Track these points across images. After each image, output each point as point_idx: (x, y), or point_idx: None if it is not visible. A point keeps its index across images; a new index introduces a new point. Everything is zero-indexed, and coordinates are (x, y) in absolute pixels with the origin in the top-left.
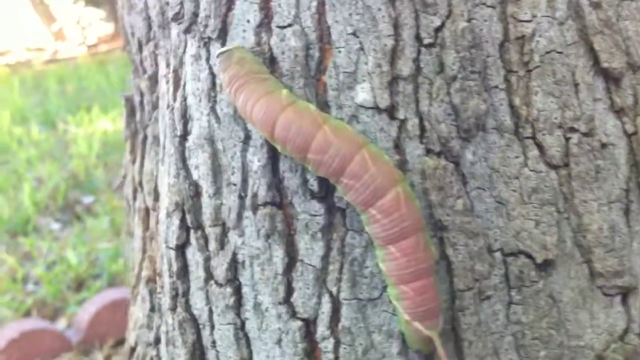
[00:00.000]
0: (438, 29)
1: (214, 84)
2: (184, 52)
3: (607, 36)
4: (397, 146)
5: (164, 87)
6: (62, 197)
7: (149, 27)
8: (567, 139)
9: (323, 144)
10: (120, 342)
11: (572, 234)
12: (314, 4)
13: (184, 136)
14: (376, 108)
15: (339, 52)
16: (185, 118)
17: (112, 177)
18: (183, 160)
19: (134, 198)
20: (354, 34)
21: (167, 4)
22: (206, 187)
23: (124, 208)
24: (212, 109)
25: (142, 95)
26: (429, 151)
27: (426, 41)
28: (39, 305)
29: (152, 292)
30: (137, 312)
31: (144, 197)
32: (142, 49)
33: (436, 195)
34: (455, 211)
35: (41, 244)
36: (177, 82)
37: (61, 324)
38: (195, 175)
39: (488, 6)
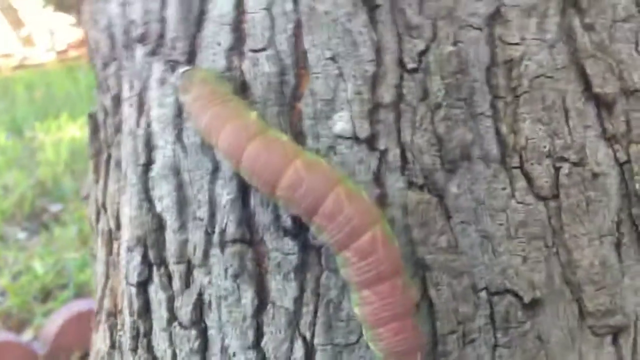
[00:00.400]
0: (422, 53)
1: (180, 110)
2: (149, 75)
3: (599, 60)
4: (377, 179)
5: (127, 111)
6: (29, 205)
7: (113, 46)
8: (557, 169)
9: (294, 181)
10: (87, 354)
11: (562, 270)
12: (290, 26)
13: (147, 165)
14: (355, 138)
15: (316, 78)
16: (149, 146)
17: (80, 185)
18: (146, 191)
19: (97, 220)
20: (332, 58)
21: (132, 22)
22: (170, 221)
23: (90, 228)
24: (178, 137)
25: (106, 113)
26: (411, 184)
27: (409, 66)
28: (4, 317)
29: (112, 328)
30: (99, 343)
31: (107, 220)
32: (106, 66)
33: (419, 232)
34: (438, 249)
35: (7, 253)
36: (140, 106)
37: (27, 335)
38: (158, 207)
39: (475, 28)
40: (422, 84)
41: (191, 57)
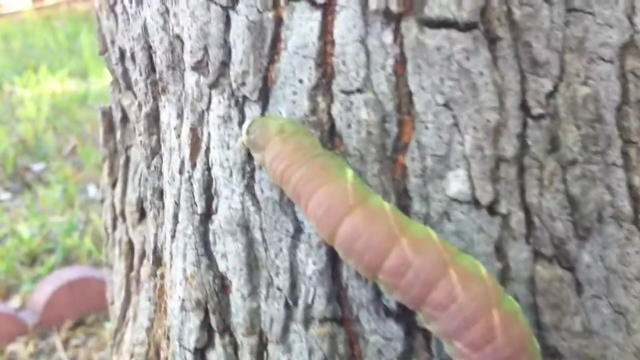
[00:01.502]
0: (549, 95)
1: (250, 156)
2: (208, 109)
3: None
4: (498, 249)
5: (174, 142)
6: (11, 164)
7: (150, 60)
8: None
9: (399, 265)
10: (79, 323)
11: None
12: (390, 62)
13: (207, 215)
14: (474, 202)
15: (426, 128)
16: (209, 193)
17: (62, 143)
18: (205, 244)
19: (114, 227)
20: (446, 105)
21: (181, 42)
22: (238, 285)
23: (103, 235)
24: (248, 188)
25: (123, 112)
26: (538, 255)
27: (535, 111)
28: None
29: None
30: None
31: (127, 229)
32: (124, 60)
33: (550, 315)
34: (572, 333)
35: None
36: (196, 143)
37: (15, 302)
38: (222, 266)
39: (606, 61)
40: (550, 132)
41: (263, 95)
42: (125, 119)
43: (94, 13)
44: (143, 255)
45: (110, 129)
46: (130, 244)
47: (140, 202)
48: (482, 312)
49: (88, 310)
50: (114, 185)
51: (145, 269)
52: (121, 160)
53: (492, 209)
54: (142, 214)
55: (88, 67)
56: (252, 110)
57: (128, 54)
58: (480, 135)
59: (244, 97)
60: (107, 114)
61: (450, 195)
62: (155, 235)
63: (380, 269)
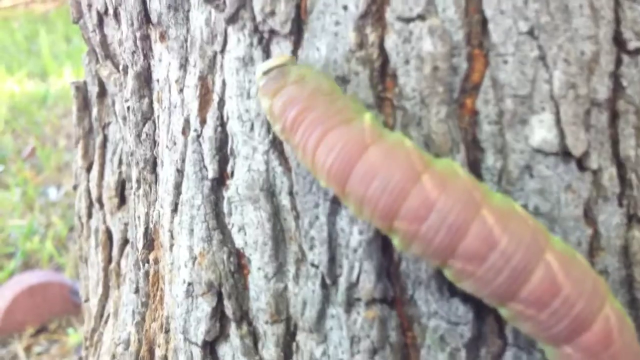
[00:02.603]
0: None
1: None
2: (222, 50)
3: None
4: (587, 213)
5: (176, 98)
6: None
7: (144, 5)
8: None
9: (420, 206)
10: (41, 330)
11: None
12: None
13: (221, 181)
14: (563, 154)
15: (504, 62)
16: (223, 153)
17: (21, 145)
18: (218, 216)
19: (89, 215)
20: (530, 33)
21: None
22: (260, 263)
23: (75, 225)
24: (275, 145)
25: (101, 84)
26: (632, 219)
27: (631, 45)
28: None
29: None
30: None
31: (104, 217)
32: (102, 25)
33: None
34: None
35: None
36: (205, 95)
37: None
38: (239, 241)
39: None
40: None
41: (296, 28)
42: (102, 93)
43: None
44: (124, 244)
45: (84, 106)
46: (109, 233)
47: (120, 185)
48: (595, 309)
49: (50, 316)
50: (89, 169)
51: (127, 259)
52: (98, 140)
53: (580, 164)
54: (122, 200)
55: (47, 68)
56: (282, 49)
57: (110, 14)
58: (573, 70)
59: (271, 32)
60: (80, 90)
61: (534, 146)
62: (147, 214)
63: (398, 214)
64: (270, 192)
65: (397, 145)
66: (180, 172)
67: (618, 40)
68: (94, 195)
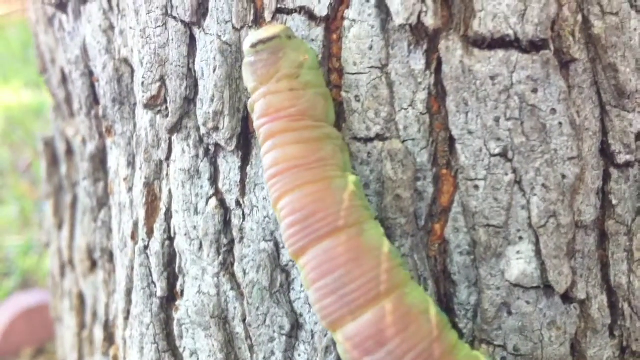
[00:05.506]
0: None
1: (227, 224)
2: (167, 159)
3: None
4: (574, 348)
5: (125, 197)
6: None
7: (92, 90)
8: None
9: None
10: (39, 351)
11: None
12: (422, 96)
13: (171, 298)
14: (545, 287)
15: (475, 187)
16: (172, 270)
17: (18, 158)
18: (168, 337)
19: (62, 275)
20: (503, 155)
21: (130, 68)
22: None
23: (49, 284)
24: (225, 267)
25: (68, 143)
26: (624, 351)
27: (620, 158)
28: None
29: None
30: None
31: (77, 280)
32: (66, 83)
33: None
34: None
35: None
36: (152, 203)
37: None
38: None
39: None
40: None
41: (244, 143)
42: (70, 151)
43: (31, 26)
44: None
45: (53, 162)
46: (81, 298)
47: (91, 249)
48: None
49: (49, 338)
50: (60, 227)
51: (99, 330)
52: (68, 198)
53: (566, 295)
54: (94, 263)
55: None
56: (229, 164)
57: (69, 78)
58: (554, 197)
59: (217, 146)
60: (49, 145)
61: (511, 280)
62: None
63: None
64: (223, 319)
65: (373, 239)
66: (130, 279)
67: (605, 153)
68: (66, 257)
